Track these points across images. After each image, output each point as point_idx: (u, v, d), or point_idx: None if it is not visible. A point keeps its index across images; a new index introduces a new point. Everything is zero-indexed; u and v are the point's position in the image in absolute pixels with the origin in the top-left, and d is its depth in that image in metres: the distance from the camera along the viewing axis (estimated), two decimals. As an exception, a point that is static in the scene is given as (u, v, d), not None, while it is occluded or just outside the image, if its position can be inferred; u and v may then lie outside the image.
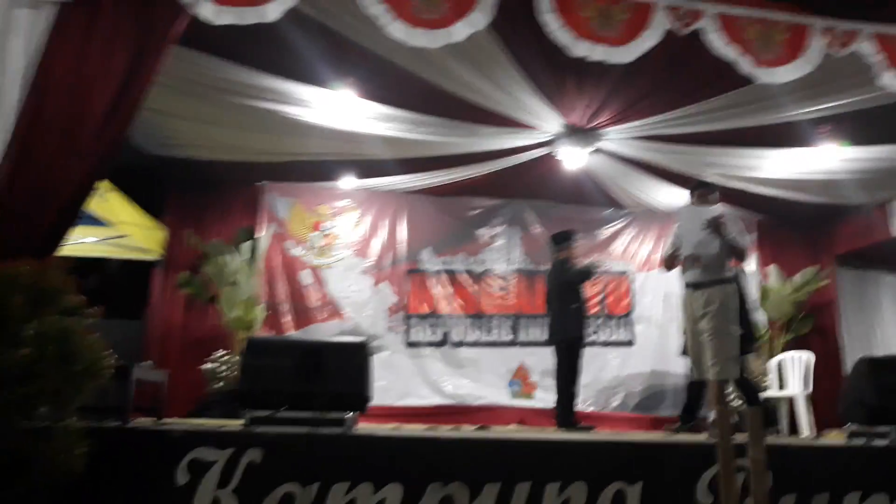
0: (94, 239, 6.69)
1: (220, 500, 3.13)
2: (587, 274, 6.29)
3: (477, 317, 7.91)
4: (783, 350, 7.59)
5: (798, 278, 8.06)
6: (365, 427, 4.24)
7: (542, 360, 7.65)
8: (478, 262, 8.12)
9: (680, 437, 4.61)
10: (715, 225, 4.56)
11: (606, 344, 7.98)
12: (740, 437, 2.84)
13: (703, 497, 3.39)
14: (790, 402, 6.98)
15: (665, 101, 5.62)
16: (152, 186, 7.34)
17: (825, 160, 6.40)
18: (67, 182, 3.53)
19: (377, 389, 6.77)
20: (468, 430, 4.78)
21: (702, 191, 4.97)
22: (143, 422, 4.11)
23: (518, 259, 8.19)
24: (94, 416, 3.72)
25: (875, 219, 7.58)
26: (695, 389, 5.58)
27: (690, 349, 4.74)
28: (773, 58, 4.15)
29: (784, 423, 7.02)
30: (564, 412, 5.83)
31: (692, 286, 4.68)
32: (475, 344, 7.81)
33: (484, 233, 8.23)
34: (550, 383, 7.55)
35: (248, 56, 5.08)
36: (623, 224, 8.44)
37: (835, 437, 5.58)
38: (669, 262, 5.01)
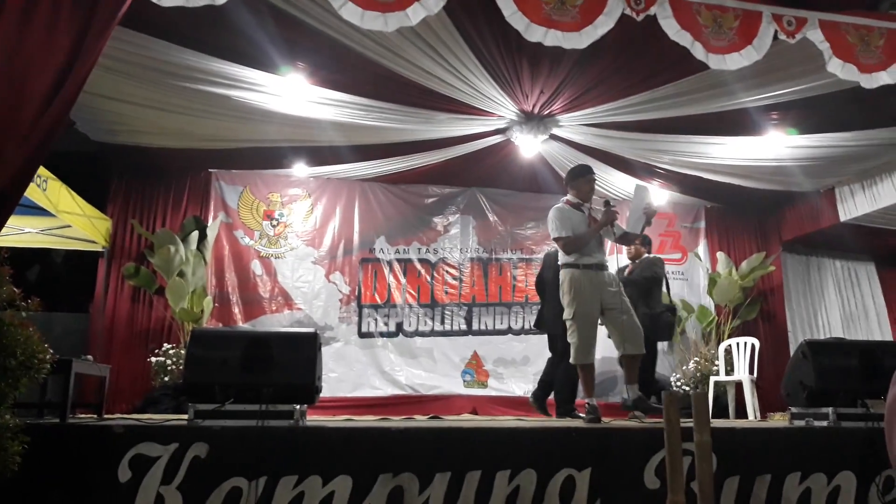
0: (35, 229, 6.50)
1: (164, 496, 3.05)
2: None
3: (431, 306, 7.91)
4: (731, 336, 7.77)
5: (745, 265, 8.24)
6: (316, 419, 4.20)
7: (496, 349, 7.73)
8: (432, 251, 8.10)
9: (628, 422, 4.65)
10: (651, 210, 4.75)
11: (561, 332, 8.06)
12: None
13: (650, 481, 3.44)
14: (737, 386, 7.14)
15: (618, 88, 5.66)
16: (96, 174, 7.15)
17: (773, 147, 6.54)
18: (4, 169, 3.38)
19: (330, 381, 6.81)
20: (419, 420, 4.76)
21: (592, 176, 4.97)
22: (84, 418, 4.00)
23: (472, 247, 8.19)
24: (31, 412, 3.63)
25: (822, 205, 7.78)
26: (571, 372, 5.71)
27: (584, 331, 4.60)
28: (725, 45, 4.20)
29: (731, 407, 7.19)
30: (569, 402, 5.83)
31: (598, 267, 4.67)
32: (429, 333, 7.80)
33: (438, 221, 8.21)
34: (504, 371, 7.64)
35: (196, 39, 4.95)
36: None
37: (778, 420, 5.74)
38: (579, 243, 4.69)
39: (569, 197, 4.90)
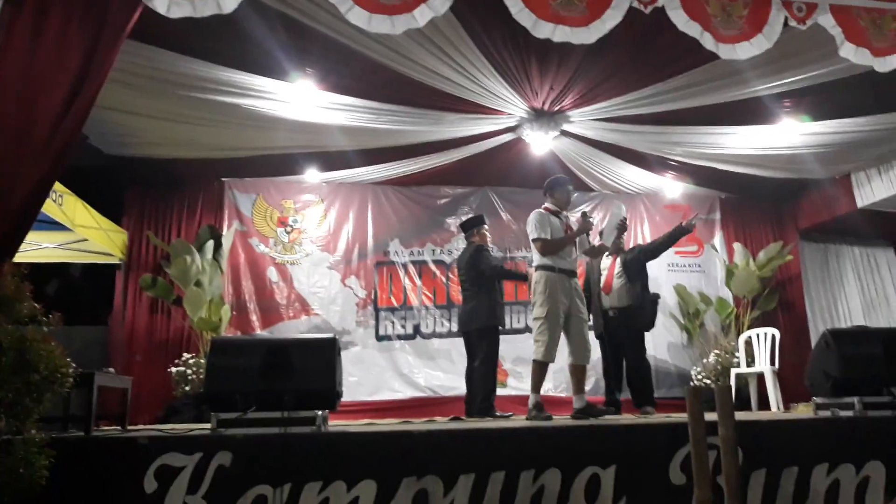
0: (53, 244, 6.55)
1: (190, 506, 3.06)
2: (503, 274, 6.38)
3: (447, 307, 7.88)
4: (750, 327, 7.70)
5: (763, 255, 8.17)
6: (337, 424, 4.20)
7: (515, 348, 7.67)
8: (446, 252, 8.09)
9: (650, 418, 4.63)
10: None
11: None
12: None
13: (675, 477, 3.41)
14: (759, 377, 7.09)
15: (628, 81, 5.62)
16: (110, 187, 7.19)
17: (787, 135, 6.48)
18: (21, 185, 3.40)
19: (349, 385, 6.82)
20: (441, 422, 4.76)
21: (570, 187, 5.29)
22: (108, 430, 4.03)
23: (487, 246, 8.16)
24: (56, 426, 3.64)
25: (838, 191, 7.69)
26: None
27: (553, 331, 4.77)
28: (735, 34, 4.15)
29: (754, 399, 7.13)
30: (484, 402, 5.72)
31: (571, 273, 4.92)
32: (446, 335, 7.78)
33: (451, 222, 8.18)
34: (522, 370, 7.59)
35: (205, 49, 4.96)
36: (589, 207, 8.47)
37: (802, 411, 5.68)
38: (556, 246, 4.91)
39: (547, 204, 5.11)
